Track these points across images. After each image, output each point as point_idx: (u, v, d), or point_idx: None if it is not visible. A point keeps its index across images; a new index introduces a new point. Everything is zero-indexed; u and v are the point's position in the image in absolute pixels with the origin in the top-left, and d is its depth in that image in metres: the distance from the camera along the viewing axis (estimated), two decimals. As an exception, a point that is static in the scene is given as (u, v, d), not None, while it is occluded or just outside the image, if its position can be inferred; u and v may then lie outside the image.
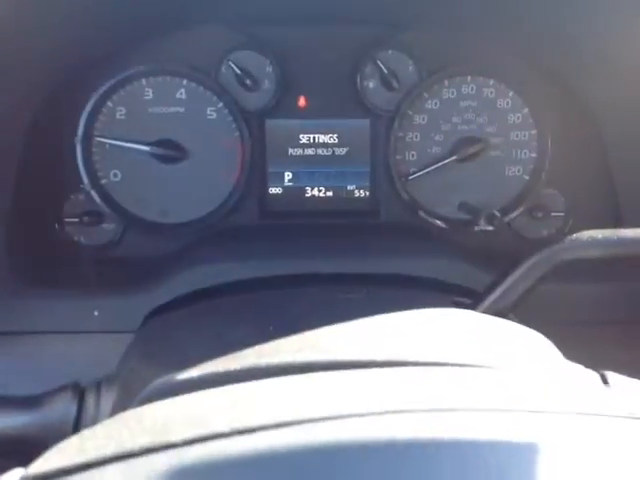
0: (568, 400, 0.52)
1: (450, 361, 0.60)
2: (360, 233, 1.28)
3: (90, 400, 0.68)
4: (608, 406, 0.52)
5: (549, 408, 0.50)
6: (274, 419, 0.47)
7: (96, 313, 1.02)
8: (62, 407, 0.67)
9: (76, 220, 1.25)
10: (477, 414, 0.48)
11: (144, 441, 0.45)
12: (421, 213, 1.30)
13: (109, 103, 1.22)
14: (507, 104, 1.28)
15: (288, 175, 1.31)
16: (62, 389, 0.69)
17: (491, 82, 1.27)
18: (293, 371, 0.57)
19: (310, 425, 0.45)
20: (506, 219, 1.27)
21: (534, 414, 0.49)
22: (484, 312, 0.81)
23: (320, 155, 1.30)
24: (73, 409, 0.66)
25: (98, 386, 0.70)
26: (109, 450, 0.44)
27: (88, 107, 1.20)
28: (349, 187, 1.32)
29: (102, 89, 1.20)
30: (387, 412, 0.47)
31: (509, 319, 0.80)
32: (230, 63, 1.22)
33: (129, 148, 1.22)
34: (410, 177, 1.29)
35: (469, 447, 0.44)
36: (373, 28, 1.24)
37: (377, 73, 1.25)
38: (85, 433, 0.50)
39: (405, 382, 0.54)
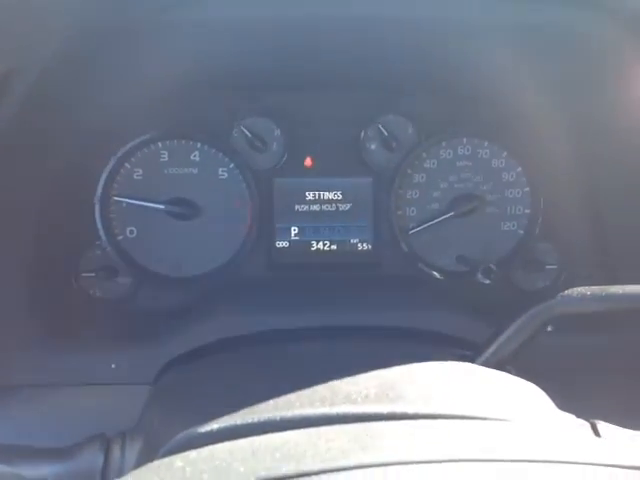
0: (558, 449, 0.57)
1: (450, 413, 0.65)
2: (363, 285, 1.34)
3: (116, 450, 0.72)
4: (597, 455, 0.56)
5: (538, 457, 0.54)
6: (292, 469, 0.52)
7: (113, 366, 1.07)
8: (90, 457, 0.71)
9: (92, 275, 1.30)
10: (466, 464, 0.52)
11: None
12: (421, 265, 1.37)
13: (127, 165, 1.30)
14: (501, 164, 1.36)
15: (294, 230, 1.38)
16: (89, 440, 0.74)
17: (485, 143, 1.35)
18: (307, 423, 0.62)
19: (331, 475, 0.50)
20: (502, 272, 1.33)
21: (523, 463, 0.53)
22: (483, 364, 0.86)
23: (325, 211, 1.37)
24: (100, 459, 0.71)
25: (123, 437, 0.74)
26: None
27: (107, 169, 1.28)
28: (352, 241, 1.39)
29: (121, 152, 1.28)
30: (395, 463, 0.52)
31: (507, 371, 0.85)
32: (241, 127, 1.31)
33: (145, 206, 1.30)
34: (410, 231, 1.37)
35: None
36: (375, 94, 1.33)
37: (378, 135, 1.33)
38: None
39: (406, 434, 0.59)
